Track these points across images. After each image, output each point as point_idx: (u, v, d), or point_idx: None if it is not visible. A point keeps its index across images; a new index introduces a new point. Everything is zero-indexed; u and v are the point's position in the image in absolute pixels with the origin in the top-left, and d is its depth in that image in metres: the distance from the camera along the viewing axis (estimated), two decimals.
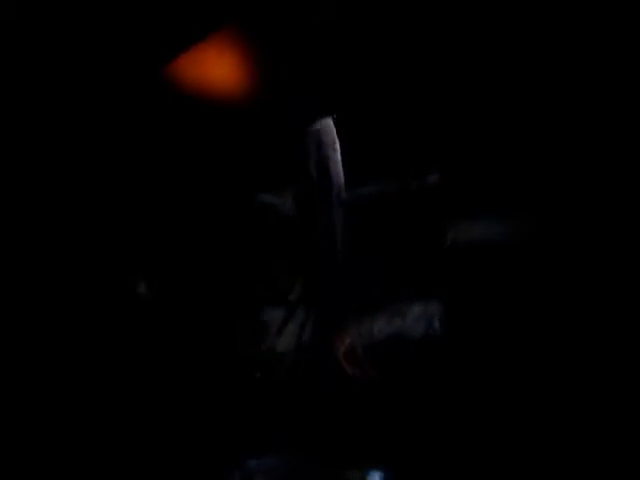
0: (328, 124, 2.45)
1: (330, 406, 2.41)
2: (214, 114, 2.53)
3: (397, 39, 2.51)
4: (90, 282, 2.46)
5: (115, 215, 2.49)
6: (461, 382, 2.39)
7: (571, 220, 2.42)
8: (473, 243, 2.45)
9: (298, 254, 2.46)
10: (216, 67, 2.57)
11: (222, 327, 2.48)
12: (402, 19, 2.52)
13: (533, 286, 2.40)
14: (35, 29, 2.49)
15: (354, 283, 2.42)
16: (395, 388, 2.41)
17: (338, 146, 2.45)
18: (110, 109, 2.48)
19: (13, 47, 2.47)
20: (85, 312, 2.45)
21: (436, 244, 2.44)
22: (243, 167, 2.51)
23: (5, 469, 2.29)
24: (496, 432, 2.34)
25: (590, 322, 2.36)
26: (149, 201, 2.51)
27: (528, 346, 2.38)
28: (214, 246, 2.52)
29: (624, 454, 2.25)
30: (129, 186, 2.50)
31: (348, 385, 2.41)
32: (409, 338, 2.44)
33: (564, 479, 2.29)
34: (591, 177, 2.43)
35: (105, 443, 2.35)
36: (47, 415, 2.36)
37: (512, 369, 2.38)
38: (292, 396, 2.43)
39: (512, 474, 2.33)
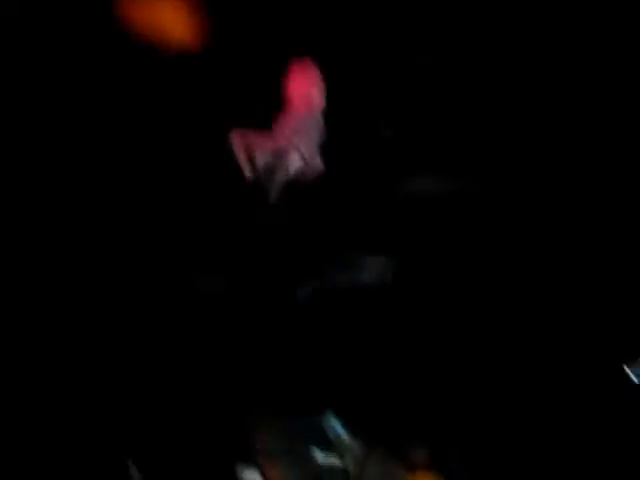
0: None
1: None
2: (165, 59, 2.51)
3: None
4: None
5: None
6: (411, 331, 2.48)
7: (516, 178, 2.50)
8: (422, 198, 2.51)
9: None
10: (169, 11, 2.54)
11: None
12: None
13: (480, 240, 2.48)
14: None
15: (312, 236, 2.47)
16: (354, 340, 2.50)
17: None
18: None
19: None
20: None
21: (389, 199, 2.49)
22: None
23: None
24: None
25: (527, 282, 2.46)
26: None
27: (473, 297, 2.47)
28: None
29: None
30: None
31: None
32: (364, 288, 2.52)
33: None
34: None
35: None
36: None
37: (460, 319, 2.48)
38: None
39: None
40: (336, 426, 2.74)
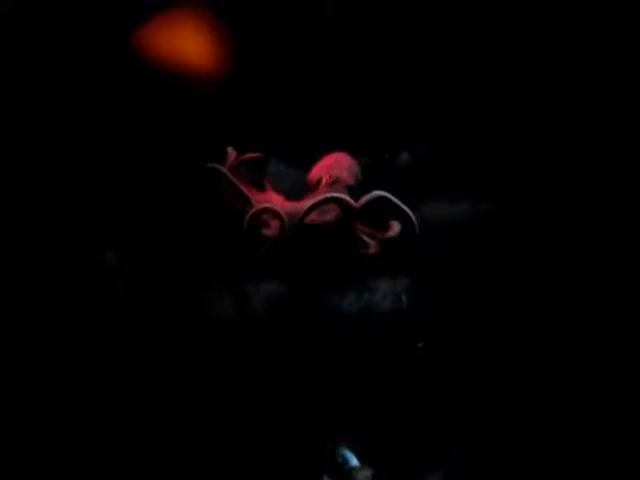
0: None
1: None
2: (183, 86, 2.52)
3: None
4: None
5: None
6: (427, 357, 2.45)
7: (532, 200, 2.48)
8: (440, 221, 2.50)
9: None
10: (190, 37, 2.56)
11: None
12: None
13: (496, 264, 2.45)
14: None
15: (323, 258, 2.46)
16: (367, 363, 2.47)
17: None
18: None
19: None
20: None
21: (404, 221, 2.48)
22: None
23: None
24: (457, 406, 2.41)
25: (550, 303, 2.43)
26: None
27: (492, 322, 2.44)
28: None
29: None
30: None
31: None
32: (378, 312, 2.49)
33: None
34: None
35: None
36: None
37: (477, 345, 2.45)
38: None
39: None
40: (348, 455, 2.69)
